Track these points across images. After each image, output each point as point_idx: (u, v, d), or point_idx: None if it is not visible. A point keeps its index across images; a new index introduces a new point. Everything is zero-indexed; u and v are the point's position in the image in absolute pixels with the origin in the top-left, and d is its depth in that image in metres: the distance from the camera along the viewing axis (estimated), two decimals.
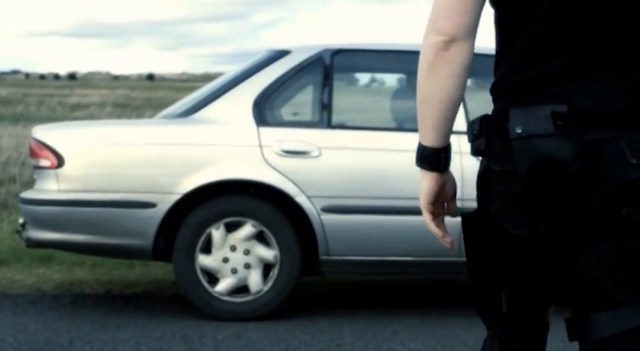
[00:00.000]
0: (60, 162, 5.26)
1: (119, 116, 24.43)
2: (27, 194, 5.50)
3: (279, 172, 5.26)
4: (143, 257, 5.54)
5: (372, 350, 4.72)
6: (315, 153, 5.31)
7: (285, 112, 5.93)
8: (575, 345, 2.05)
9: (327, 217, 5.25)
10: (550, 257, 2.05)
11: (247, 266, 5.26)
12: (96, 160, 5.33)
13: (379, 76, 8.06)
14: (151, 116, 8.33)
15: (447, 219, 2.14)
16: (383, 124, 6.06)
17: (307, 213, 5.25)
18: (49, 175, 5.30)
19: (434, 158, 2.06)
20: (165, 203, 5.21)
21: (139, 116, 20.52)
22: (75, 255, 6.38)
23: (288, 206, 5.28)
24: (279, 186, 5.25)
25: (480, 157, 2.06)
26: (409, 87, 5.78)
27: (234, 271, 5.25)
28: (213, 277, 5.28)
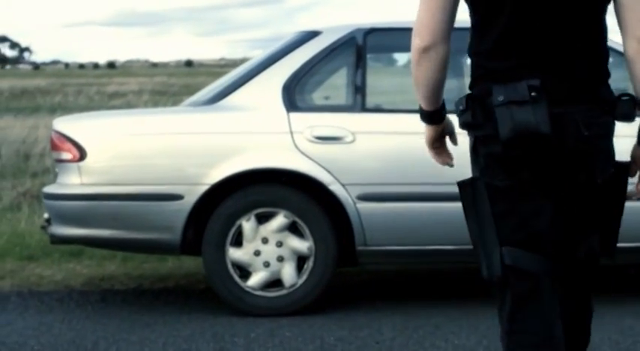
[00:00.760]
0: (82, 155, 5.04)
1: (156, 104, 24.28)
2: (49, 189, 5.29)
3: (312, 160, 5.00)
4: (171, 252, 5.31)
5: (413, 346, 4.46)
6: (349, 138, 5.05)
7: (317, 97, 5.66)
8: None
9: (363, 206, 4.99)
10: (534, 200, 2.51)
11: (280, 259, 5.01)
12: (119, 151, 5.10)
13: None
14: None
15: None
16: None
17: (342, 201, 4.99)
18: (71, 169, 5.08)
19: (430, 117, 2.69)
20: (193, 195, 4.97)
21: (177, 103, 20.30)
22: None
23: (322, 195, 5.02)
24: (311, 174, 5.00)
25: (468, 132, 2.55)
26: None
27: (266, 264, 5.01)
28: (244, 271, 5.04)
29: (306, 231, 5.01)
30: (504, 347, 2.55)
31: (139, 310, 5.21)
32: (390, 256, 5.14)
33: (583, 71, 2.52)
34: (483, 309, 5.01)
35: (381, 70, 6.84)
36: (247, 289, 5.02)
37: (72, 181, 5.08)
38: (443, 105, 2.66)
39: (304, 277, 5.02)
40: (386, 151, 5.06)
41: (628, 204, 2.59)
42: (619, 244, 2.63)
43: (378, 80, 6.00)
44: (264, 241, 5.01)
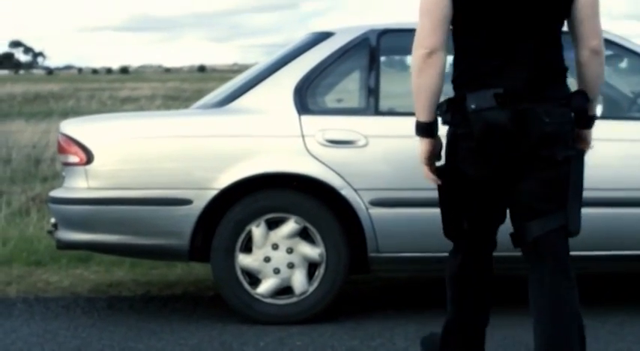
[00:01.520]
0: (89, 158, 4.93)
1: (169, 108, 24.27)
2: (56, 193, 5.17)
3: (324, 164, 4.88)
4: (179, 258, 5.17)
5: None
6: (362, 142, 4.93)
7: (329, 99, 5.52)
8: None
9: (376, 211, 4.86)
10: (498, 188, 3.30)
11: (291, 266, 4.89)
12: (127, 155, 4.98)
13: None
14: None
15: None
16: None
17: (354, 207, 4.87)
18: (78, 172, 4.97)
19: (428, 129, 3.27)
20: (202, 200, 4.85)
21: (190, 106, 20.27)
22: None
23: (334, 200, 4.89)
24: (323, 179, 4.87)
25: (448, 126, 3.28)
26: None
27: (276, 271, 4.89)
28: (254, 278, 4.92)
29: (318, 237, 4.89)
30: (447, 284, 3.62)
31: (146, 317, 5.10)
32: (403, 264, 5.00)
33: (543, 74, 3.22)
34: (498, 317, 4.87)
35: (394, 72, 6.71)
36: (257, 296, 4.90)
37: (78, 185, 4.97)
38: (436, 120, 3.26)
39: (315, 284, 4.90)
40: (399, 156, 4.92)
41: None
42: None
43: (391, 83, 5.86)
44: (275, 247, 4.89)
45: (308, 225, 4.89)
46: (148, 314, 5.17)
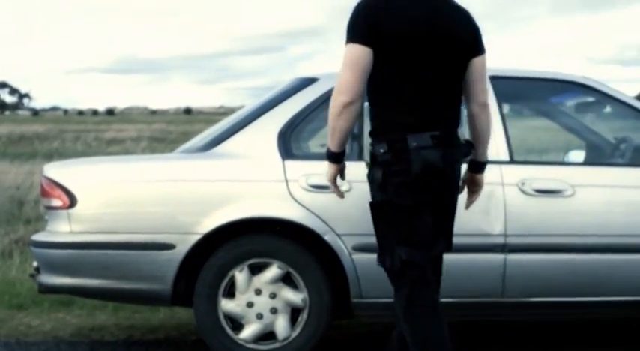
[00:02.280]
0: (72, 202, 4.92)
1: (154, 151, 24.22)
2: (38, 236, 5.16)
3: (307, 209, 4.89)
4: (162, 302, 5.16)
5: None
6: (345, 187, 4.92)
7: (313, 144, 5.55)
8: None
9: (359, 257, 4.87)
10: (431, 213, 3.78)
11: (274, 311, 4.88)
12: (110, 198, 4.97)
13: None
14: None
15: None
16: None
17: (337, 252, 4.87)
18: (60, 216, 4.96)
19: (337, 157, 3.90)
20: (185, 244, 4.84)
21: (174, 150, 20.25)
22: None
23: (317, 245, 4.90)
24: (306, 224, 4.88)
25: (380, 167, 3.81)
26: None
27: (259, 316, 4.87)
28: (237, 323, 4.90)
29: (300, 282, 4.88)
30: (404, 318, 3.78)
31: None
32: (387, 309, 4.95)
33: (452, 125, 3.83)
34: None
35: None
36: (240, 341, 4.88)
37: (61, 229, 4.96)
38: (345, 150, 3.88)
39: (298, 329, 4.89)
40: None
41: None
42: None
43: None
44: (257, 292, 4.88)
45: (291, 270, 4.88)
46: None
